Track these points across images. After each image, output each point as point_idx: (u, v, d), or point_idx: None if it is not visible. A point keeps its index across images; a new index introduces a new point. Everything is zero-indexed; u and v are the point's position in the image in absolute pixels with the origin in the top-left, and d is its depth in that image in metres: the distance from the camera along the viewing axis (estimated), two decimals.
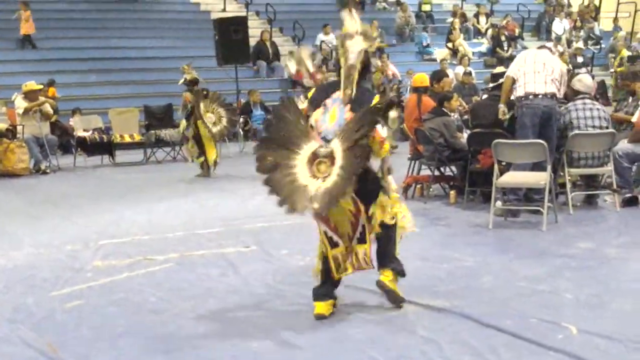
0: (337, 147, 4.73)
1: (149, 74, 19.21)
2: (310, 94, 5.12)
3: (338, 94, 4.95)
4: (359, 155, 4.68)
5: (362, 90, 4.98)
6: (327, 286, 5.08)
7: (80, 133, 14.70)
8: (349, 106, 4.87)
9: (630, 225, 7.55)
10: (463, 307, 5.10)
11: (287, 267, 6.32)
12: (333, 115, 4.91)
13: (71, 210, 9.36)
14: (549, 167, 7.51)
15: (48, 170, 13.13)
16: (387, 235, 5.09)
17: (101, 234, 7.83)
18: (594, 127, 8.23)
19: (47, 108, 13.57)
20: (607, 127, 8.30)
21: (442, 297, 5.33)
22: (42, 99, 13.71)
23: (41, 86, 14.26)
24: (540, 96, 7.88)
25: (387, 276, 5.10)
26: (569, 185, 8.23)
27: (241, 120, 15.99)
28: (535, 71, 7.94)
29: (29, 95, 13.40)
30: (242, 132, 16.02)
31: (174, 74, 19.44)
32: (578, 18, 25.65)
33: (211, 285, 5.88)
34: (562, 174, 8.21)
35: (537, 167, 7.75)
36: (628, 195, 8.36)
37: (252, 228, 7.86)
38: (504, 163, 7.95)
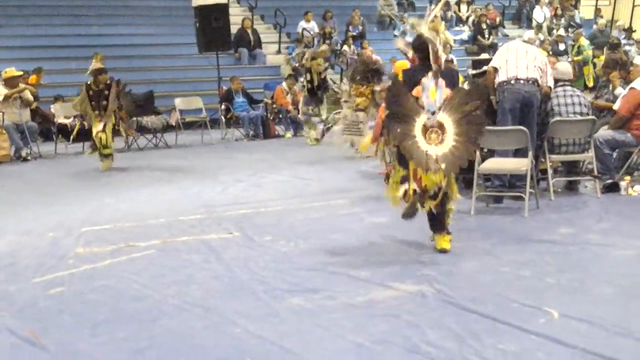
0: (444, 118, 5.69)
1: (130, 61, 19.09)
2: (400, 77, 6.11)
3: (431, 75, 5.83)
4: (476, 122, 5.67)
5: (450, 71, 6.21)
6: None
7: (61, 120, 14.60)
8: (444, 83, 5.82)
9: (611, 211, 7.60)
10: (446, 292, 5.13)
11: (270, 254, 6.32)
12: (433, 92, 5.78)
13: (53, 198, 9.31)
14: (530, 154, 7.54)
15: (29, 158, 13.03)
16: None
17: (83, 221, 7.79)
18: (574, 113, 8.27)
19: (28, 95, 13.47)
20: (587, 114, 8.34)
21: (425, 283, 5.35)
22: (22, 86, 13.60)
23: (21, 73, 14.13)
24: (522, 81, 7.92)
25: (446, 240, 6.14)
26: (550, 172, 8.28)
27: (223, 107, 15.94)
28: (518, 57, 8.01)
29: (9, 82, 13.29)
30: (224, 120, 15.97)
31: (155, 61, 19.44)
32: (559, 6, 25.71)
33: (193, 272, 5.87)
34: (543, 160, 8.25)
35: (519, 153, 7.79)
36: (609, 181, 8.42)
37: (235, 215, 7.85)
38: (485, 150, 7.98)
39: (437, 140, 5.67)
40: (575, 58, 20.17)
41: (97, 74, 11.38)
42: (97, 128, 11.27)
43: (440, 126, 5.69)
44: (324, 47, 16.99)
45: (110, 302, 5.22)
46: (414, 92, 5.82)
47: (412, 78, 5.92)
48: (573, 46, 21.97)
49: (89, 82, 11.48)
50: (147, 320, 4.82)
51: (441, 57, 5.95)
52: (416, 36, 6.08)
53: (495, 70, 8.14)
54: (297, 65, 16.61)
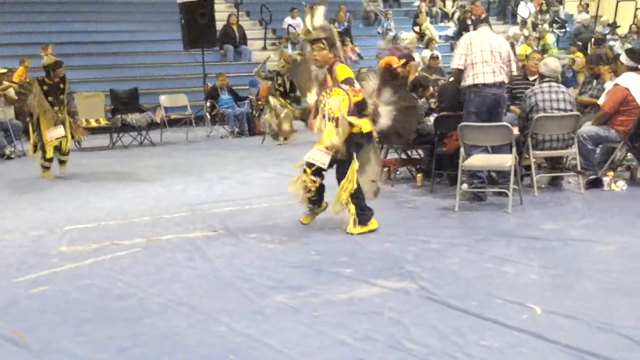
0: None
1: (114, 58, 19.05)
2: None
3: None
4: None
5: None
6: None
7: None
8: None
9: (594, 207, 7.65)
10: (429, 288, 5.14)
11: (255, 251, 6.32)
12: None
13: (36, 196, 9.28)
14: (514, 150, 7.57)
15: (13, 156, 12.99)
16: None
17: (67, 219, 7.77)
18: (558, 109, 8.30)
19: (11, 93, 13.40)
20: (571, 110, 8.38)
21: (409, 279, 5.36)
22: (5, 84, 13.53)
23: (5, 70, 14.07)
24: (489, 85, 7.94)
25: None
26: (533, 168, 8.32)
27: (208, 104, 15.93)
28: (484, 61, 7.91)
29: None
30: (209, 117, 15.95)
31: (140, 58, 19.39)
32: (543, 2, 25.80)
33: (178, 270, 5.86)
34: (527, 156, 8.28)
35: (498, 150, 7.84)
36: (592, 177, 8.46)
37: (219, 212, 7.84)
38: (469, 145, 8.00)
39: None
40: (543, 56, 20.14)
41: (55, 67, 10.66)
42: (55, 132, 10.53)
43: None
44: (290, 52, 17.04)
45: (94, 300, 5.20)
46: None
47: None
48: (540, 42, 22.00)
49: (40, 78, 10.66)
50: (131, 319, 4.80)
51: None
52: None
53: (460, 70, 8.06)
54: (267, 73, 16.54)
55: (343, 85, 6.55)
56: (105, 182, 10.17)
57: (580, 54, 21.00)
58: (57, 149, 10.63)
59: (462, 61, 7.99)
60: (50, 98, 10.53)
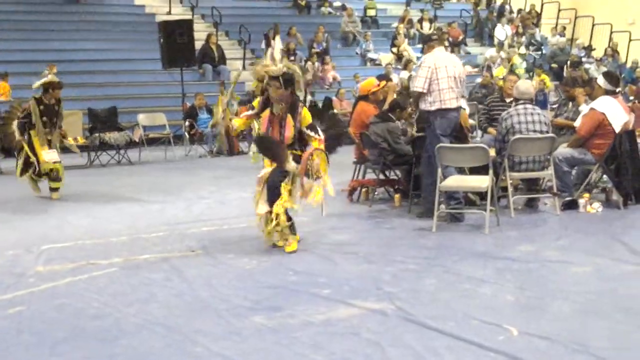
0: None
1: (93, 76, 18.99)
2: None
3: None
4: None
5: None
6: None
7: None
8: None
9: (570, 229, 7.71)
10: (407, 309, 5.16)
11: (233, 272, 6.31)
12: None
13: (13, 215, 9.22)
14: (490, 171, 7.63)
15: None
16: None
17: (43, 238, 7.72)
18: (534, 131, 8.38)
19: None
20: (547, 132, 8.46)
21: (386, 300, 5.38)
22: None
23: None
24: (453, 109, 8.11)
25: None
26: (510, 189, 8.38)
27: (187, 123, 15.92)
28: (449, 87, 8.03)
29: None
30: (187, 136, 15.94)
31: (118, 77, 19.34)
32: (520, 24, 26.06)
33: (155, 290, 5.84)
34: (503, 177, 8.34)
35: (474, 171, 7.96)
36: (568, 198, 8.54)
37: (198, 232, 7.83)
38: (446, 167, 8.06)
39: None
40: (509, 77, 20.26)
41: (54, 87, 10.37)
42: (51, 155, 10.28)
43: None
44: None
45: (70, 320, 5.18)
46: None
47: None
48: (509, 64, 22.15)
49: (38, 96, 10.36)
50: (107, 339, 4.79)
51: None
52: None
53: (421, 94, 8.09)
54: (243, 97, 16.60)
55: (308, 131, 6.81)
56: (82, 200, 10.11)
57: (546, 77, 21.20)
58: (47, 174, 10.39)
59: (427, 85, 8.03)
60: (44, 118, 10.32)
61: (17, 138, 10.43)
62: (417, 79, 8.14)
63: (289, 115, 6.78)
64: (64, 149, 11.03)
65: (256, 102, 7.06)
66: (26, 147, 10.34)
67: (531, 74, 22.14)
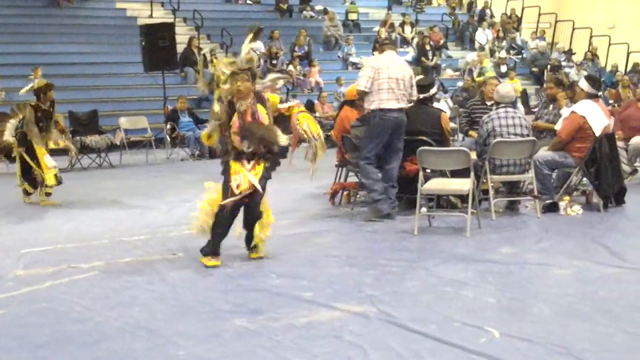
0: None
1: (74, 79, 18.90)
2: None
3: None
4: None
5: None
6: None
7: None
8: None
9: (551, 231, 7.75)
10: (389, 312, 5.17)
11: (215, 274, 6.31)
12: None
13: None
14: (472, 174, 7.66)
15: None
16: None
17: (24, 242, 7.67)
18: (515, 134, 8.44)
19: None
20: (528, 135, 8.52)
21: (368, 303, 5.39)
22: None
23: None
24: (392, 110, 8.26)
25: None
26: (491, 192, 8.42)
27: (168, 127, 15.88)
28: (389, 88, 8.25)
29: None
30: (169, 139, 15.90)
31: (100, 80, 19.27)
32: (501, 28, 26.19)
33: (136, 293, 5.82)
34: (484, 180, 8.38)
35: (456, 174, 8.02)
36: (548, 201, 8.59)
37: (179, 235, 7.80)
38: (428, 170, 8.10)
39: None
40: (477, 79, 20.42)
41: (47, 90, 10.24)
42: (49, 162, 10.03)
43: None
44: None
45: (51, 324, 5.14)
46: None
47: None
48: (480, 67, 22.28)
49: (34, 103, 10.15)
50: (88, 343, 4.77)
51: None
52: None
53: (365, 92, 8.34)
54: None
55: (282, 105, 6.78)
56: (63, 204, 10.05)
57: (517, 81, 21.29)
58: (41, 182, 10.16)
59: (369, 85, 8.29)
60: (41, 124, 10.13)
61: (17, 148, 10.22)
62: (361, 79, 8.42)
63: (259, 106, 6.59)
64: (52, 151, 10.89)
65: (218, 111, 6.66)
66: (27, 158, 10.10)
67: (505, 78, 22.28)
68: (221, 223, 6.56)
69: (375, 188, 8.37)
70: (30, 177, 10.17)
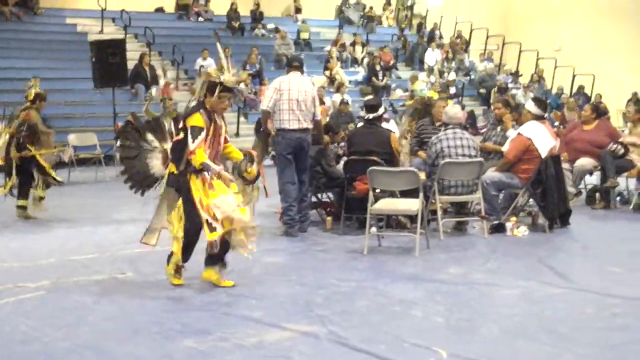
0: None
1: (22, 95, 18.61)
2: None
3: None
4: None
5: None
6: None
7: None
8: None
9: (498, 252, 7.86)
10: (338, 332, 5.20)
11: (165, 294, 6.27)
12: None
13: None
14: (421, 195, 7.75)
15: None
16: None
17: None
18: (463, 155, 8.56)
19: None
20: (475, 156, 8.64)
21: (319, 323, 5.42)
22: None
23: None
24: (294, 130, 8.56)
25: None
26: (440, 212, 8.52)
27: (118, 143, 15.71)
28: (290, 109, 8.55)
29: None
30: (118, 156, 15.75)
31: (49, 96, 18.95)
32: (450, 49, 26.52)
33: (85, 313, 5.77)
34: (433, 201, 8.48)
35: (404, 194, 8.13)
36: (495, 222, 8.71)
37: (129, 254, 7.75)
38: (378, 190, 8.17)
39: None
40: (408, 102, 20.61)
41: (42, 99, 10.96)
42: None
43: None
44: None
45: None
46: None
47: None
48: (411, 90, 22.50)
49: (36, 106, 10.80)
50: None
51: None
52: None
53: (268, 112, 8.69)
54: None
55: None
56: (9, 222, 9.91)
57: (450, 101, 21.50)
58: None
59: (272, 104, 8.63)
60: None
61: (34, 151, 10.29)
62: (264, 99, 8.83)
63: (223, 123, 6.45)
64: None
65: (198, 121, 6.23)
66: (40, 159, 10.30)
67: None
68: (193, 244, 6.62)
69: (289, 213, 8.64)
70: (27, 188, 10.24)
